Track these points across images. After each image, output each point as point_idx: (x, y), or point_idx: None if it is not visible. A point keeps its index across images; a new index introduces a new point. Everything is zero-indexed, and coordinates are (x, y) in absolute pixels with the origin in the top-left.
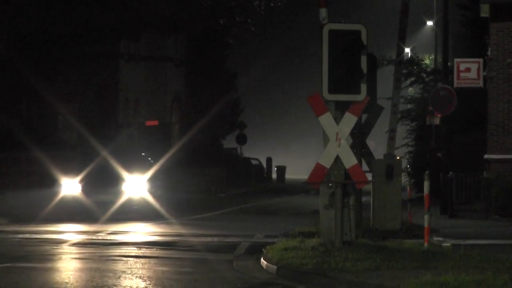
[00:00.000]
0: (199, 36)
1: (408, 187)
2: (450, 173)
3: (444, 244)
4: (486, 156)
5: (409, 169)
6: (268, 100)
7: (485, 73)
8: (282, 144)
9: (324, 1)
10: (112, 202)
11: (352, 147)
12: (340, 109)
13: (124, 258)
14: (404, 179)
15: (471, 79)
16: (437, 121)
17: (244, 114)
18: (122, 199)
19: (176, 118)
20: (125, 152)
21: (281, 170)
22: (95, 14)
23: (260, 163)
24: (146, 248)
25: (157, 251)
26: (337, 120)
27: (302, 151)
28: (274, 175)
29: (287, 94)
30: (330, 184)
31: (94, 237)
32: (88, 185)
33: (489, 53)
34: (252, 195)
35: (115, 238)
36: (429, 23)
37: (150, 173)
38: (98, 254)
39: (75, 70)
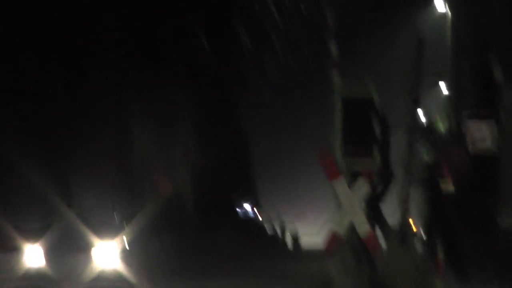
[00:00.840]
0: (211, 97)
1: (422, 253)
2: (464, 237)
3: None
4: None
5: (423, 235)
6: (282, 163)
7: (498, 135)
8: (296, 207)
9: (337, 65)
10: (81, 274)
11: (366, 213)
12: (354, 174)
13: None
14: (418, 244)
15: (484, 142)
16: (450, 185)
17: (257, 177)
18: (92, 270)
19: (189, 179)
20: (95, 212)
21: (295, 234)
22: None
23: (274, 228)
24: None
25: None
26: (350, 185)
27: (318, 214)
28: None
29: (300, 155)
30: (343, 250)
31: None
32: (51, 252)
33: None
34: (266, 260)
35: None
36: (443, 84)
37: (125, 237)
38: None
39: (86, 135)
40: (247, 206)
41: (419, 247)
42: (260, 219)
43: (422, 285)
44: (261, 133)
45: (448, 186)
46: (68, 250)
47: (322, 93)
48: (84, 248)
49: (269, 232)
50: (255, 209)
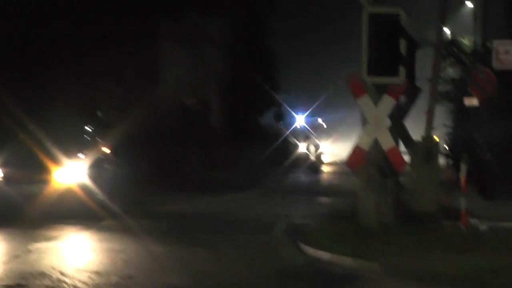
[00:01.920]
0: (239, 17)
1: (446, 169)
2: (488, 154)
3: (481, 227)
4: None
5: (447, 151)
6: (307, 81)
7: None
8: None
9: None
10: (41, 194)
11: (390, 129)
12: (379, 91)
13: (158, 244)
14: (442, 160)
15: (511, 62)
16: (476, 103)
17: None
18: (56, 190)
19: (216, 98)
20: (62, 130)
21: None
22: None
23: (298, 143)
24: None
25: (188, 234)
26: (376, 102)
27: (343, 133)
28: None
29: (327, 75)
30: (368, 166)
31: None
32: (11, 172)
33: None
34: (288, 174)
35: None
36: (469, 3)
37: (96, 155)
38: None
39: (113, 49)
40: (272, 118)
41: (443, 162)
42: (286, 134)
43: (445, 199)
44: (289, 48)
45: (473, 102)
46: (29, 170)
47: (350, 10)
48: (48, 168)
49: (293, 146)
50: (280, 121)
